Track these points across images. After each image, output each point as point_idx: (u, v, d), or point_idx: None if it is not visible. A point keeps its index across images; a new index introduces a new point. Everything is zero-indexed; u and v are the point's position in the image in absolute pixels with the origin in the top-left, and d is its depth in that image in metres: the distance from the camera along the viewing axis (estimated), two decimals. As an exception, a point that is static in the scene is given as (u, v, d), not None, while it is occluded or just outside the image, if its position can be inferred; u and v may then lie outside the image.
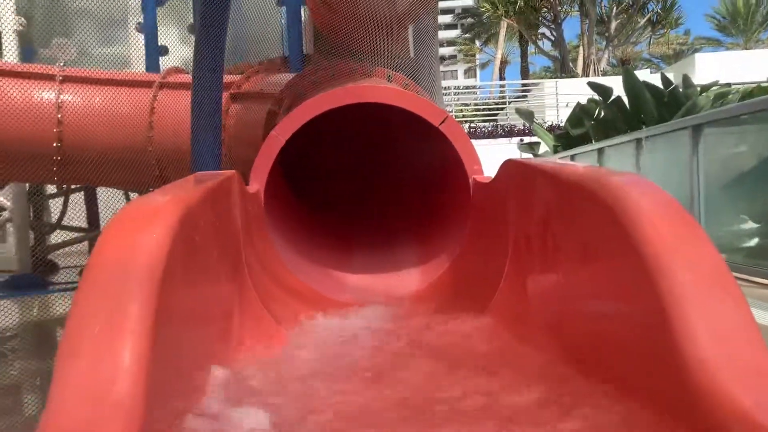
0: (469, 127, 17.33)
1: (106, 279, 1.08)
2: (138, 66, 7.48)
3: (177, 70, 5.35)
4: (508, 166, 2.13)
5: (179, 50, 7.64)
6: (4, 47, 6.18)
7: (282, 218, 3.09)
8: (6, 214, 6.85)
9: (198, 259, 1.51)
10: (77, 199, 7.80)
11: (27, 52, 6.69)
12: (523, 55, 29.28)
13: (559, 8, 23.60)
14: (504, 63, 33.23)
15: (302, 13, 5.59)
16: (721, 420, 0.98)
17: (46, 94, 4.69)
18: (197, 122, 2.57)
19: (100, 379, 0.94)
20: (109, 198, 7.49)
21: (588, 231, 1.52)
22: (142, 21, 6.30)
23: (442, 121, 2.72)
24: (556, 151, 11.06)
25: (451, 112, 17.86)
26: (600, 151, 7.66)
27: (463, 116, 19.75)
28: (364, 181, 3.88)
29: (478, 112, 20.51)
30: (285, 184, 3.46)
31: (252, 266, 2.36)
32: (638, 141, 6.03)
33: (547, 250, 1.84)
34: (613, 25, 23.73)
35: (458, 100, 21.32)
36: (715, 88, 10.06)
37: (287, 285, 2.71)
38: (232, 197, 2.03)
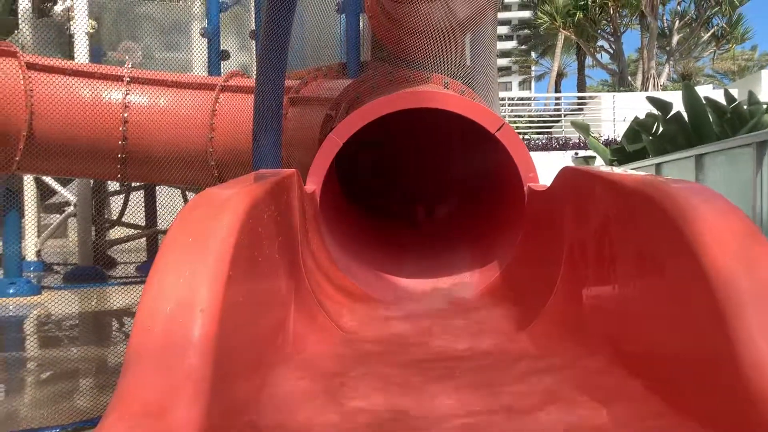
0: (523, 138, 17.20)
1: (178, 261, 1.14)
2: (200, 70, 7.72)
3: (238, 74, 5.51)
4: (566, 173, 2.13)
5: (238, 56, 7.85)
6: (75, 48, 6.47)
7: (335, 219, 3.14)
8: (71, 208, 7.13)
9: (261, 250, 1.57)
10: (137, 197, 8.07)
11: (96, 53, 6.98)
12: (580, 68, 28.87)
13: (618, 21, 23.19)
14: (560, 75, 32.87)
15: (361, 20, 5.68)
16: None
17: (114, 93, 4.89)
18: (259, 124, 2.65)
19: (173, 353, 1.00)
20: (166, 198, 7.72)
21: (647, 238, 1.51)
22: (206, 26, 6.50)
23: (499, 128, 2.73)
24: (611, 165, 10.88)
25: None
26: (658, 166, 7.51)
27: (517, 128, 19.63)
28: (417, 186, 3.90)
29: (532, 124, 20.34)
30: (340, 186, 3.52)
31: (307, 264, 2.42)
32: (698, 157, 5.89)
33: (603, 257, 1.83)
34: (675, 39, 23.18)
35: (512, 111, 21.17)
36: (783, 105, 9.74)
37: (338, 284, 2.76)
38: (292, 195, 2.09)
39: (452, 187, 3.80)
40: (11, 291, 5.31)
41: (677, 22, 23.42)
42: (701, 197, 1.33)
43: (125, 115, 4.86)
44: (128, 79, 4.98)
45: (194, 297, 1.08)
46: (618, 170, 1.95)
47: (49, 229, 7.35)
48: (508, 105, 20.76)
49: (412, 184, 3.96)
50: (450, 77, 4.67)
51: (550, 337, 2.07)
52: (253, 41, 6.49)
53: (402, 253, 3.35)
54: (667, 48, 23.83)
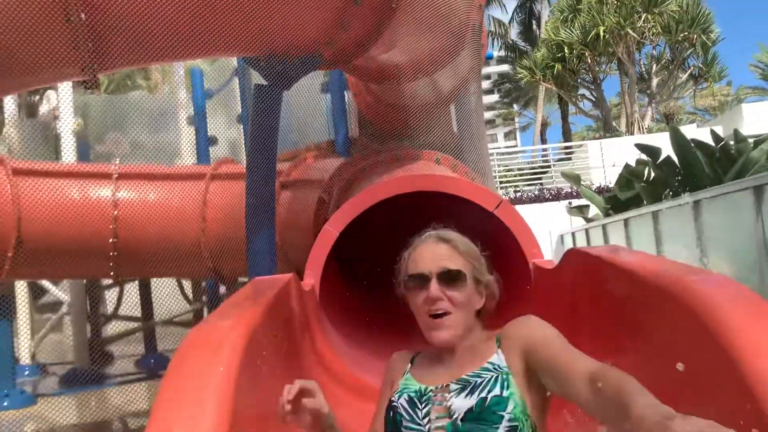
0: (514, 191, 17.20)
1: (176, 415, 1.06)
2: (189, 155, 7.75)
3: (227, 161, 5.49)
4: (572, 256, 2.05)
5: (227, 132, 7.91)
6: (62, 147, 6.47)
7: (338, 309, 3.05)
8: (64, 308, 7.00)
9: (261, 375, 1.48)
10: (131, 288, 7.94)
11: (83, 148, 6.99)
12: (564, 117, 29.24)
13: (597, 69, 23.65)
14: (544, 125, 33.29)
15: (346, 96, 5.71)
16: None
17: (103, 191, 4.84)
18: (252, 226, 2.59)
19: None
20: (163, 286, 7.59)
21: (670, 332, 1.43)
22: (193, 114, 6.53)
23: (497, 206, 2.67)
24: (607, 214, 10.83)
25: (495, 176, 17.81)
26: (655, 214, 7.47)
27: (507, 181, 19.68)
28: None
29: (521, 175, 20.46)
30: (340, 273, 3.43)
31: (312, 367, 2.31)
32: (695, 204, 5.85)
33: (622, 344, 1.74)
34: (654, 81, 23.61)
35: (500, 164, 21.30)
36: (770, 140, 9.78)
37: (345, 381, 2.64)
38: (290, 302, 2.01)
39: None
40: (5, 404, 5.10)
41: (654, 65, 23.90)
42: (724, 294, 1.25)
43: (115, 212, 4.80)
44: (116, 175, 4.95)
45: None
46: (624, 252, 1.88)
47: (42, 331, 7.20)
48: (496, 158, 20.92)
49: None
50: (439, 146, 4.67)
51: (567, 422, 1.96)
52: (240, 125, 6.53)
53: (409, 338, 3.23)
54: (648, 91, 24.22)
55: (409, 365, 1.68)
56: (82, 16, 1.77)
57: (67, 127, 6.39)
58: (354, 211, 2.73)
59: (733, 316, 1.19)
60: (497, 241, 3.00)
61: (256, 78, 3.11)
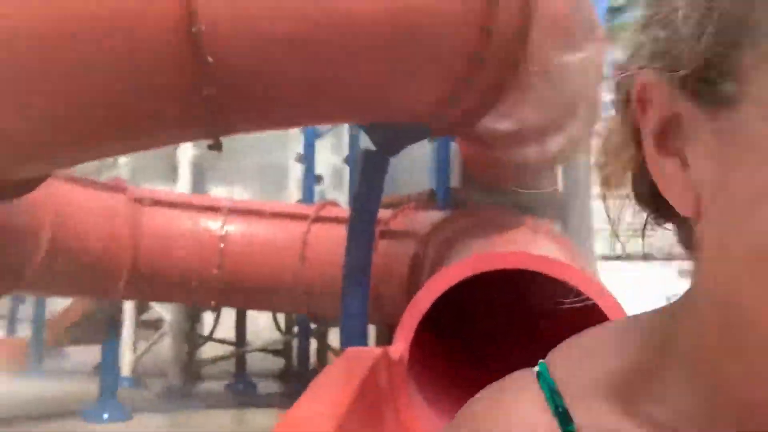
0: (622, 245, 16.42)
1: None
2: (295, 188, 8.02)
3: (329, 204, 5.62)
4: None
5: (331, 162, 8.14)
6: (180, 172, 6.83)
7: (429, 376, 3.02)
8: (165, 326, 7.33)
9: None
10: (227, 311, 8.22)
11: (198, 175, 7.36)
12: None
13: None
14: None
15: (452, 146, 5.72)
16: None
17: (213, 224, 5.07)
18: (348, 286, 2.64)
19: None
20: (257, 313, 7.81)
21: None
22: (302, 152, 6.75)
23: (598, 295, 2.58)
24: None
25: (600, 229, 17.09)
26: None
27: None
28: (516, 339, 3.72)
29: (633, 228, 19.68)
30: (432, 338, 3.41)
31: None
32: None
33: None
34: None
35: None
36: None
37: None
38: (379, 377, 2.03)
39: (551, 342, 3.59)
40: (105, 416, 5.37)
41: None
42: None
43: (221, 245, 5.02)
44: (227, 209, 5.18)
45: None
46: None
47: (144, 348, 7.59)
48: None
49: (514, 336, 3.76)
50: (542, 204, 4.59)
51: None
52: (347, 165, 6.69)
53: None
54: None
55: None
56: (213, 90, 1.89)
57: (185, 154, 6.77)
58: (449, 280, 2.72)
59: None
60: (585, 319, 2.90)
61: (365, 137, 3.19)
